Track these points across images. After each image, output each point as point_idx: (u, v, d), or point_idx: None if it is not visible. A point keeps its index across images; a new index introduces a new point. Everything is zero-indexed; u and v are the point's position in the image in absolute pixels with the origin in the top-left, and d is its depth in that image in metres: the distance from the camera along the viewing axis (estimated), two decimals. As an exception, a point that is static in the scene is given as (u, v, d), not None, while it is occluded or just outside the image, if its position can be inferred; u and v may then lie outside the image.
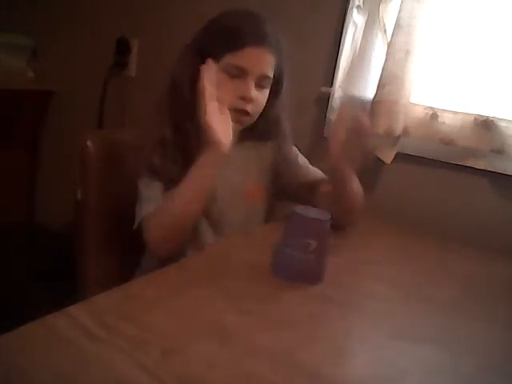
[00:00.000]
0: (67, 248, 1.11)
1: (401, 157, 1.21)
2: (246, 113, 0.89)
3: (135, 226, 0.86)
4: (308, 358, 0.52)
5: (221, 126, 0.81)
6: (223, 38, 0.87)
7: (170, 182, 0.86)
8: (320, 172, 1.04)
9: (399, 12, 1.11)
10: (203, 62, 0.88)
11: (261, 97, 0.91)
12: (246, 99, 0.88)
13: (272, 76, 0.91)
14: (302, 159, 1.06)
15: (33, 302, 1.49)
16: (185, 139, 0.89)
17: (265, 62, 0.88)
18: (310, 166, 1.05)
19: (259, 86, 0.89)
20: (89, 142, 0.95)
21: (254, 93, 0.88)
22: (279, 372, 0.48)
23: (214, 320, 0.57)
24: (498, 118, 1.09)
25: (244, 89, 0.87)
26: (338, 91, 1.26)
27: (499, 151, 1.08)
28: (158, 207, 0.84)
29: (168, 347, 0.49)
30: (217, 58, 0.87)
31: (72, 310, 0.53)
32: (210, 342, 0.52)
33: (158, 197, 0.86)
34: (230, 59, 0.86)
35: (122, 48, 1.70)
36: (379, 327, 0.62)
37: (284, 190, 1.02)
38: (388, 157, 1.21)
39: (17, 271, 1.72)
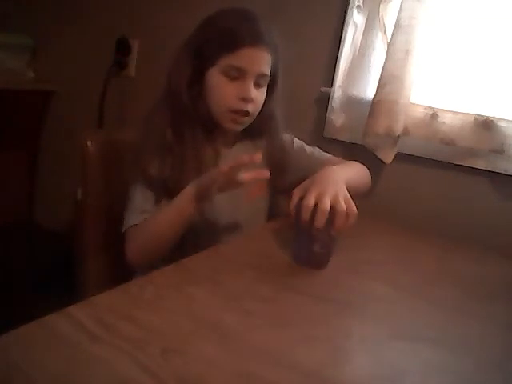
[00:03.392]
0: (67, 248, 1.11)
1: (401, 157, 1.21)
2: (247, 113, 0.90)
3: (123, 231, 0.86)
4: (308, 358, 0.52)
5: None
6: (219, 39, 0.87)
7: (165, 191, 0.87)
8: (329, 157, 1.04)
9: (399, 12, 1.11)
10: (200, 65, 0.89)
11: (260, 96, 0.91)
12: (247, 100, 0.88)
13: (269, 74, 0.91)
14: (318, 152, 1.06)
15: (33, 301, 1.49)
16: (182, 145, 0.89)
17: (263, 61, 0.88)
18: (326, 155, 1.05)
19: (258, 85, 0.90)
20: (89, 142, 0.95)
21: (253, 93, 0.88)
22: (279, 372, 0.48)
23: (214, 320, 0.57)
24: (497, 118, 1.09)
25: (244, 90, 0.87)
26: (338, 91, 1.26)
27: (499, 151, 1.08)
28: (141, 224, 0.85)
29: (168, 347, 0.49)
30: (214, 59, 0.87)
31: (72, 309, 0.53)
32: (210, 342, 0.52)
33: (148, 208, 0.86)
34: (227, 60, 0.86)
35: (122, 48, 1.70)
36: (379, 327, 0.62)
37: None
38: (388, 157, 1.21)
39: (17, 271, 1.72)
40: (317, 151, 1.06)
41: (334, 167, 0.87)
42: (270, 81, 0.93)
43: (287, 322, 0.60)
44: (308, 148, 1.06)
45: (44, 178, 2.02)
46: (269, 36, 0.88)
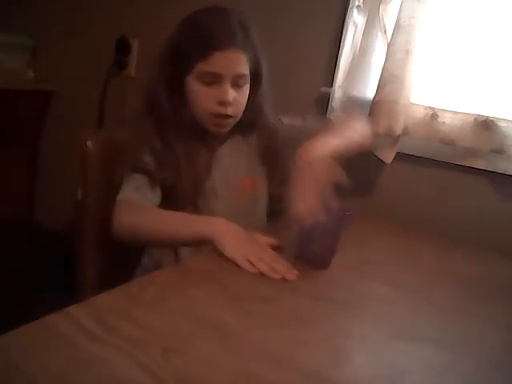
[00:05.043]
0: (67, 248, 1.11)
1: (401, 157, 1.21)
2: (228, 116, 0.90)
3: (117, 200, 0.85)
4: (308, 357, 0.52)
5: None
6: (191, 46, 0.86)
7: (160, 184, 0.87)
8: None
9: (399, 12, 1.11)
10: (177, 73, 0.89)
11: (240, 96, 0.90)
12: (225, 104, 0.88)
13: (248, 72, 0.90)
14: (310, 123, 1.02)
15: (33, 302, 1.49)
16: (174, 151, 0.89)
17: (237, 62, 0.87)
18: (317, 126, 0.98)
19: (236, 85, 0.89)
20: (89, 142, 0.95)
21: (231, 96, 0.88)
22: (279, 372, 0.48)
23: (214, 320, 0.57)
24: (497, 118, 1.09)
25: (221, 94, 0.87)
26: (338, 91, 1.26)
27: (499, 151, 1.08)
28: (143, 206, 0.83)
29: (168, 347, 0.49)
30: (188, 67, 0.87)
31: (72, 309, 0.53)
32: (210, 342, 0.52)
33: (139, 184, 0.85)
34: (201, 67, 0.86)
35: (122, 48, 1.70)
36: (379, 327, 0.62)
37: None
38: (388, 157, 1.21)
39: (17, 271, 1.72)
40: (309, 123, 1.02)
41: (310, 152, 0.79)
42: (254, 78, 0.92)
43: (287, 322, 0.60)
44: (298, 122, 1.02)
45: (44, 177, 2.02)
46: (241, 35, 0.86)
